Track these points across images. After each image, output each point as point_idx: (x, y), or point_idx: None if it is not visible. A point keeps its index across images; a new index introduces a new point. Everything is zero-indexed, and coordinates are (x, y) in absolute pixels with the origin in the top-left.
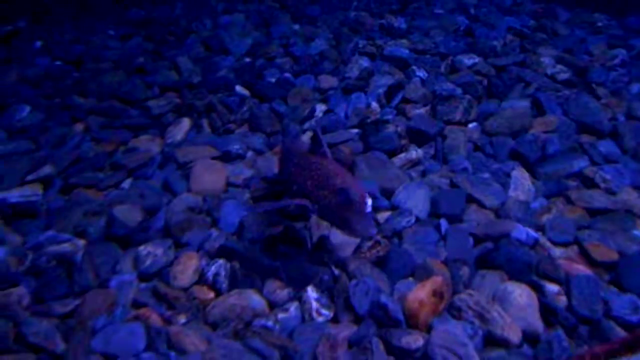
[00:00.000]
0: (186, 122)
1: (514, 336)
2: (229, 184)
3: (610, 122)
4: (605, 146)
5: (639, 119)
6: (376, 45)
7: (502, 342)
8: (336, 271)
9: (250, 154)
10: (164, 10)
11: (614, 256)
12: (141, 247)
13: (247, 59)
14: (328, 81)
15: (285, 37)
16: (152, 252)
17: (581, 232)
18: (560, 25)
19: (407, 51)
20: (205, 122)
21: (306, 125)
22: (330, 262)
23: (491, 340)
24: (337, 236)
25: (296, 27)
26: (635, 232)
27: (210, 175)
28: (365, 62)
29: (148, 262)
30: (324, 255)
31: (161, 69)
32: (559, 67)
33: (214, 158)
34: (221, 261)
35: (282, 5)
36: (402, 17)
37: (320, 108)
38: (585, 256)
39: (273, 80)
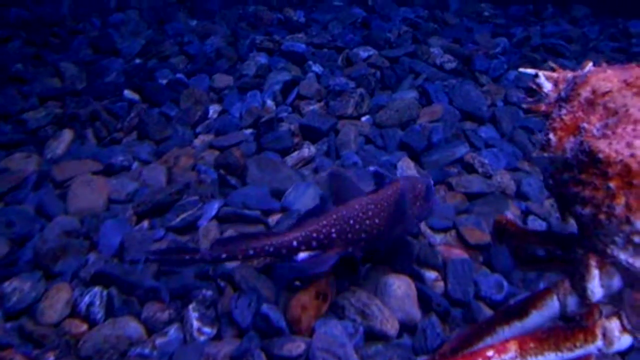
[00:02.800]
0: (67, 134)
1: (392, 329)
2: (111, 201)
3: (490, 109)
4: (486, 132)
5: (515, 104)
6: (273, 40)
7: (380, 337)
8: (222, 283)
9: (136, 164)
10: (49, 9)
11: (486, 238)
12: (6, 284)
13: (138, 60)
14: (223, 80)
15: (181, 35)
16: (19, 287)
17: (459, 216)
18: (451, 15)
19: (304, 46)
20: (90, 133)
21: (198, 129)
22: (215, 275)
23: (371, 336)
24: None
25: (193, 23)
26: (507, 212)
27: (90, 193)
28: (262, 59)
29: (14, 299)
30: (209, 269)
31: (42, 76)
32: (447, 56)
33: (96, 172)
34: (96, 289)
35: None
36: (302, 11)
37: (215, 109)
38: (462, 240)
39: (164, 82)
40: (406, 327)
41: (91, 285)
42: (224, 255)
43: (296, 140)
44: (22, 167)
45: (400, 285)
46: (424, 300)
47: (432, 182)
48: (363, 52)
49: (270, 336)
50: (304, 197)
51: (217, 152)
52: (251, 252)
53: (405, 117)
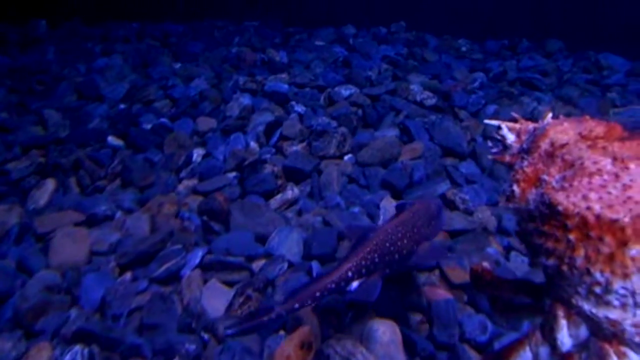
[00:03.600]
0: (50, 184)
1: None
2: (93, 253)
3: (470, 144)
4: (466, 167)
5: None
6: (256, 81)
7: None
8: (205, 336)
9: (119, 214)
10: (34, 56)
11: (468, 277)
12: None
13: (122, 105)
14: (207, 123)
15: (165, 78)
16: (0, 347)
17: None
18: (430, 52)
19: (286, 86)
20: (72, 182)
21: (182, 174)
22: (199, 327)
23: None
24: (210, 295)
25: (177, 66)
26: (489, 249)
27: (72, 246)
28: (246, 100)
29: None
30: (192, 321)
31: (25, 125)
32: (427, 93)
33: (78, 224)
34: (77, 347)
35: (163, 43)
36: (284, 51)
37: (198, 152)
38: (446, 280)
39: (149, 127)
40: None
41: (72, 343)
42: (296, 306)
43: (280, 182)
44: (5, 219)
45: (385, 331)
46: (409, 345)
47: (441, 203)
48: (344, 91)
49: None
50: (288, 241)
51: (201, 198)
52: (318, 294)
53: (387, 156)
